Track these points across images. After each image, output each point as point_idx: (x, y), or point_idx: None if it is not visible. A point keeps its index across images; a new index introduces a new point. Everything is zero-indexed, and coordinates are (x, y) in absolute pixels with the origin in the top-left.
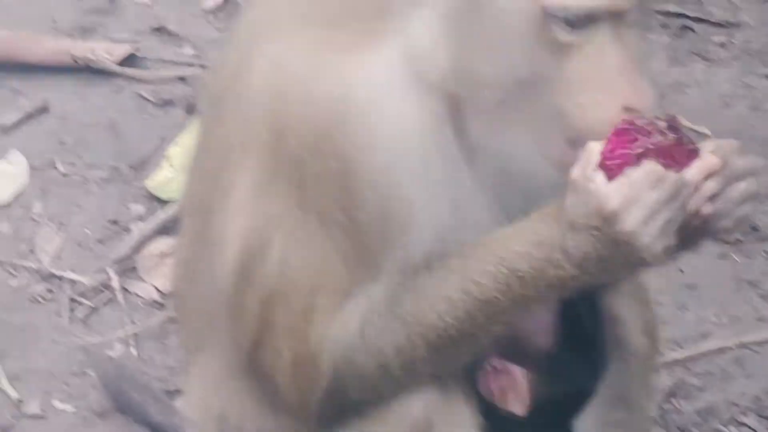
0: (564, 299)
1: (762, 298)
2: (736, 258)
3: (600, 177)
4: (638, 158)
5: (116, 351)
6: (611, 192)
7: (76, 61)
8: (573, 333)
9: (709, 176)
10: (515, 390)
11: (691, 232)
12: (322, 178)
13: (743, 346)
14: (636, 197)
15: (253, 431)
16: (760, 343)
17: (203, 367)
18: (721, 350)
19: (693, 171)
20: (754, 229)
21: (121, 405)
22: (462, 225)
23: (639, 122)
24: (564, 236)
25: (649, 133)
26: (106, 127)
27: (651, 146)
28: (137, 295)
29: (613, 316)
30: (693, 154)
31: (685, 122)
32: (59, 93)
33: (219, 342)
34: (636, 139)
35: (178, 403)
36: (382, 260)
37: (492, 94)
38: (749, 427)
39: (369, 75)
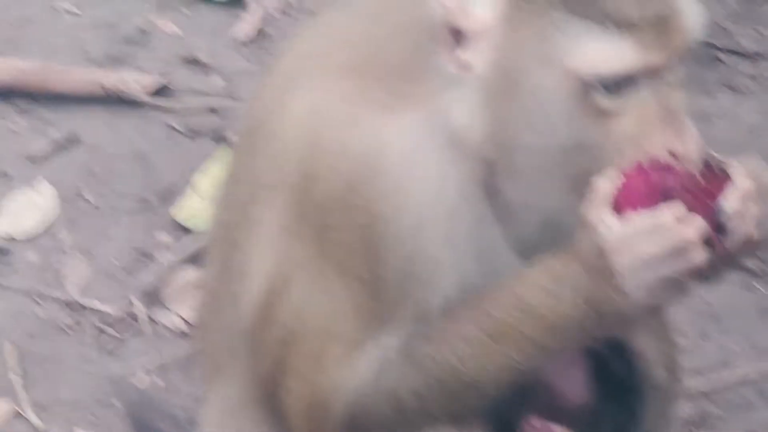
0: (592, 345)
1: None
2: (760, 287)
3: (606, 212)
4: (658, 196)
5: (142, 381)
6: (612, 228)
7: (106, 92)
8: (608, 381)
9: (747, 200)
10: None
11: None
12: (346, 230)
13: (766, 376)
14: (634, 243)
15: None
16: None
17: (220, 396)
18: (743, 380)
19: (731, 199)
20: None
21: None
22: (489, 279)
23: (662, 160)
24: (578, 274)
25: (671, 170)
26: (135, 158)
27: (672, 183)
28: (163, 325)
29: (636, 350)
30: (723, 180)
31: (712, 154)
32: (89, 123)
33: (237, 372)
34: (656, 178)
35: None
36: (398, 313)
37: (532, 161)
38: None
39: (404, 133)
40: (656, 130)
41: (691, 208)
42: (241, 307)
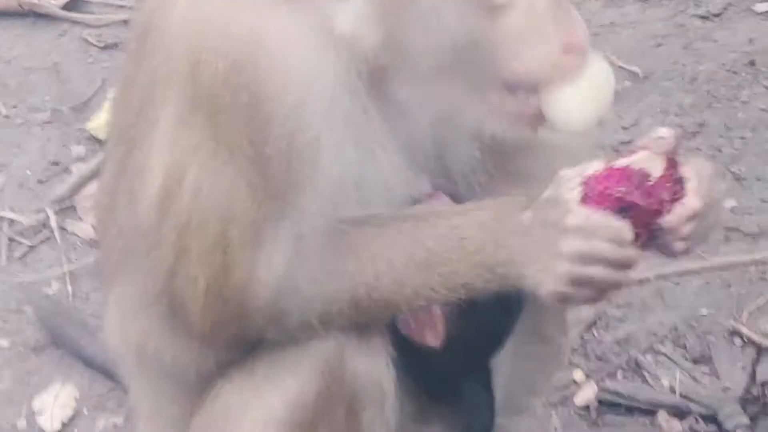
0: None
1: None
2: None
3: (578, 192)
4: (615, 203)
5: (53, 288)
6: (580, 212)
7: (21, 6)
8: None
9: (689, 221)
10: (431, 324)
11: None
12: (233, 111)
13: (663, 278)
14: (589, 234)
15: (169, 361)
16: (679, 275)
17: (121, 296)
18: (641, 282)
19: (672, 221)
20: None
21: (57, 340)
22: (372, 172)
23: (635, 167)
24: (523, 228)
25: (635, 181)
26: (50, 71)
27: (628, 198)
28: (75, 235)
29: None
30: (678, 193)
31: (617, 61)
32: (3, 37)
33: (137, 271)
34: (617, 183)
35: None
36: (292, 197)
37: (425, 62)
38: (666, 356)
39: (287, 18)
40: (546, 23)
41: (637, 223)
42: (138, 205)
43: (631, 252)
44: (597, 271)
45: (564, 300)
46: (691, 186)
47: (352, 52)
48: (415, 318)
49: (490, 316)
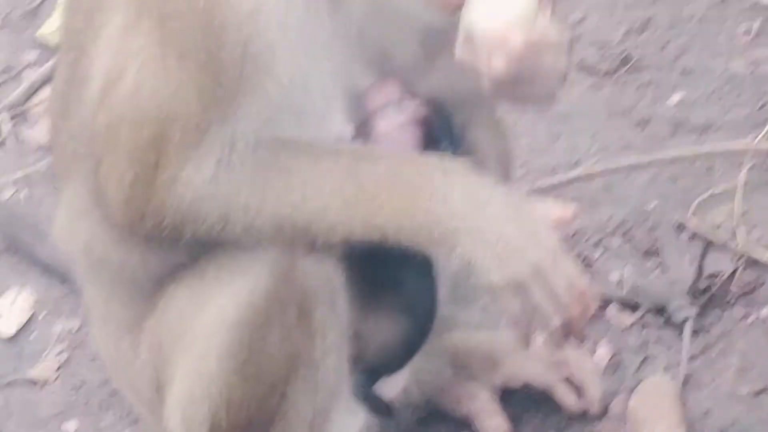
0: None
1: (632, 127)
2: (608, 88)
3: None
4: None
5: (7, 194)
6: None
7: None
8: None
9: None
10: None
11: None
12: (187, 16)
13: (611, 172)
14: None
15: (117, 263)
16: (627, 170)
17: (70, 198)
18: (590, 176)
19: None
20: (626, 59)
21: (12, 245)
22: (321, 73)
23: None
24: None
25: None
26: None
27: None
28: (28, 140)
29: (470, 143)
30: None
31: None
32: None
33: (83, 174)
34: None
35: None
36: (240, 102)
37: None
38: (614, 250)
39: None
40: None
41: None
42: (83, 109)
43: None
44: (546, 303)
45: (503, 298)
46: None
47: None
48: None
49: None
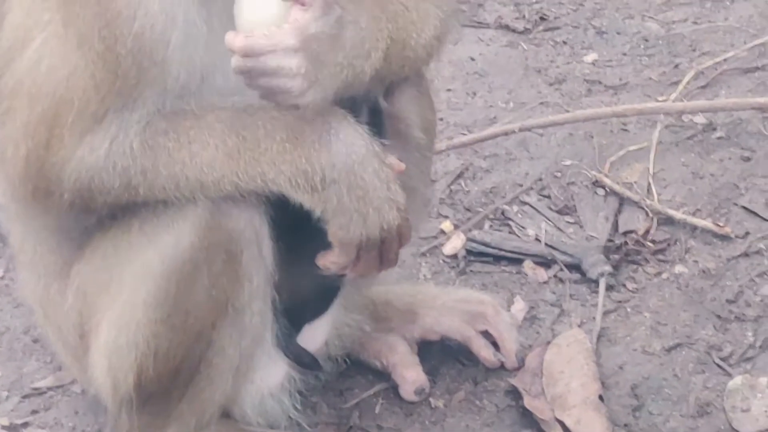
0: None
1: (547, 85)
2: (525, 46)
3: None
4: None
5: None
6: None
7: None
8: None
9: None
10: None
11: None
12: (86, 5)
13: (527, 129)
14: None
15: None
16: (542, 127)
17: None
18: (506, 133)
19: None
20: (542, 18)
21: None
22: (215, 67)
23: None
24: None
25: None
26: None
27: None
28: None
29: (394, 114)
30: None
31: None
32: None
33: None
34: None
35: None
36: (138, 93)
37: None
38: (530, 206)
39: None
40: None
41: None
42: None
43: None
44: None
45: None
46: None
47: None
48: None
49: None
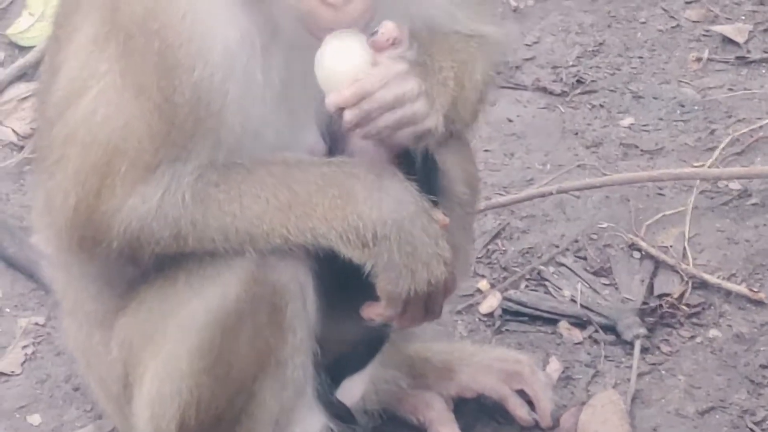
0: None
1: (584, 148)
2: (562, 109)
3: None
4: None
5: None
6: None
7: None
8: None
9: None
10: None
11: None
12: (145, 55)
13: (564, 191)
14: None
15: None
16: (580, 189)
17: (44, 190)
18: (543, 195)
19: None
20: (580, 81)
21: None
22: (269, 123)
23: None
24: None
25: None
26: None
27: None
28: None
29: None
30: None
31: None
32: None
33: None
34: None
35: (32, 238)
36: (193, 144)
37: None
38: (566, 267)
39: None
40: None
41: None
42: (49, 107)
43: None
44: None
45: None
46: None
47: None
48: None
49: None
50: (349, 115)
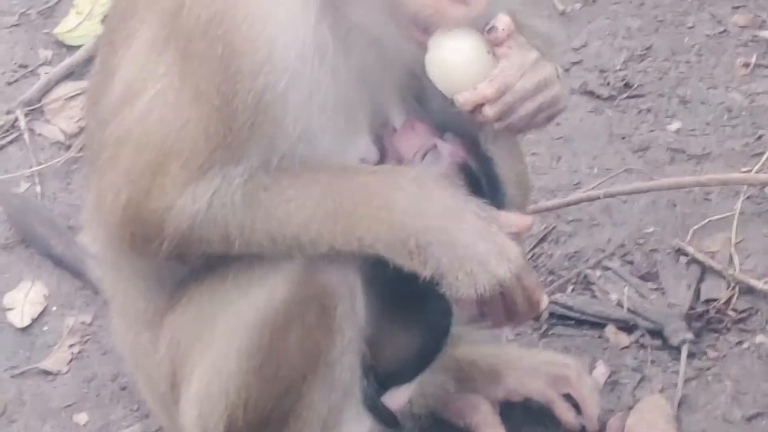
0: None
1: (631, 151)
2: (609, 113)
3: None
4: None
5: (21, 188)
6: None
7: None
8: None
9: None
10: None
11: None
12: (206, 60)
13: (611, 195)
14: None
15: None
16: (627, 193)
17: (96, 190)
18: (590, 199)
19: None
20: (627, 85)
21: (26, 238)
22: (326, 130)
23: None
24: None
25: None
26: None
27: None
28: (43, 136)
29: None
30: None
31: None
32: None
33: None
34: None
35: (79, 237)
36: (247, 148)
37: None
38: (613, 271)
39: None
40: None
41: None
42: (102, 108)
43: None
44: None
45: (466, 307)
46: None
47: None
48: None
49: None
50: (491, 111)
